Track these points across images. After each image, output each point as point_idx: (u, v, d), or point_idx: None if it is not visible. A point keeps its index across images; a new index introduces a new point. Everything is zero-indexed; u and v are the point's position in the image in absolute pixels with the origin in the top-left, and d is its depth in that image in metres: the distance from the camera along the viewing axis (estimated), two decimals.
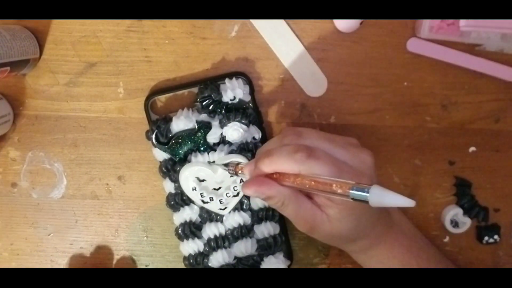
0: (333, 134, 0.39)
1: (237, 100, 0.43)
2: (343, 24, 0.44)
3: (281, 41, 0.45)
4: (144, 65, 0.45)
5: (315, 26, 0.45)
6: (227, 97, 0.43)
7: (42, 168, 0.46)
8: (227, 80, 0.43)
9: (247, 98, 0.44)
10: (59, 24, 0.44)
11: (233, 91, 0.42)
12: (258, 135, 0.44)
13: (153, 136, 0.43)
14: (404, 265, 0.42)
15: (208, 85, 0.43)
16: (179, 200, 0.44)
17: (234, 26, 0.45)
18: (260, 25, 0.44)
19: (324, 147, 0.36)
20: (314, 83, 0.45)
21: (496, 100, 0.47)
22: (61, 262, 0.48)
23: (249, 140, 0.44)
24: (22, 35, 0.42)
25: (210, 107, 0.43)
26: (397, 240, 0.42)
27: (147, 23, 0.44)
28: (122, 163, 0.46)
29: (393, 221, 0.43)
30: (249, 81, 0.44)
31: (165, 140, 0.43)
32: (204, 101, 0.43)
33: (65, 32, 0.44)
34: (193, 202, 0.44)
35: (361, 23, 0.44)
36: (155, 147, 0.43)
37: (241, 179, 0.43)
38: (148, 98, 0.44)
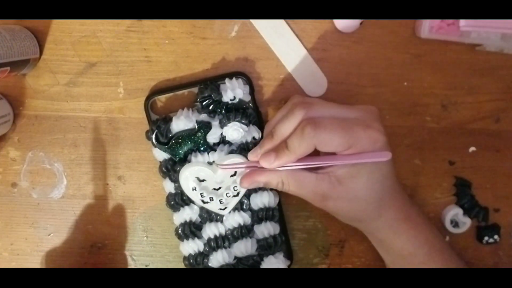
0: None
1: (237, 100, 0.43)
2: (343, 24, 0.44)
3: (281, 41, 0.45)
4: (144, 65, 0.45)
5: (315, 26, 0.45)
6: (227, 97, 0.43)
7: (42, 168, 0.46)
8: (227, 80, 0.43)
9: (247, 98, 0.44)
10: (59, 24, 0.44)
11: (233, 91, 0.42)
12: (258, 135, 0.44)
13: (153, 136, 0.43)
14: (429, 243, 0.41)
15: (208, 85, 0.43)
16: (179, 200, 0.44)
17: (234, 26, 0.45)
18: (260, 25, 0.44)
19: (331, 112, 0.38)
20: (314, 83, 0.45)
21: (496, 100, 0.47)
22: (61, 262, 0.48)
23: (249, 140, 0.44)
24: (22, 35, 0.42)
25: (210, 107, 0.43)
26: (419, 217, 0.41)
27: (147, 23, 0.44)
28: (122, 163, 0.46)
29: (410, 200, 0.42)
30: (249, 81, 0.44)
31: (165, 140, 0.43)
32: (204, 101, 0.43)
33: (65, 32, 0.44)
34: (193, 202, 0.44)
35: (361, 23, 0.44)
36: (155, 147, 0.43)
37: None
38: (148, 98, 0.44)
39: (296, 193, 0.39)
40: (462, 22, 0.43)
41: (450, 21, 0.43)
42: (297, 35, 0.45)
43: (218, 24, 0.45)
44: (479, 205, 0.48)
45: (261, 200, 0.44)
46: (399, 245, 0.41)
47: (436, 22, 0.43)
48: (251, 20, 0.44)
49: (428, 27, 0.43)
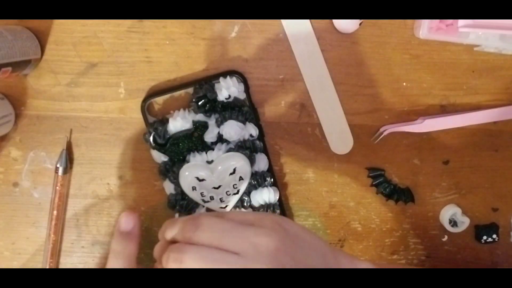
0: (235, 216, 0.34)
1: (232, 98, 0.43)
2: (342, 24, 0.44)
3: (322, 94, 0.45)
4: (145, 65, 0.45)
5: (315, 26, 0.45)
6: (222, 96, 0.43)
7: (44, 168, 0.46)
8: (221, 79, 0.43)
9: (242, 96, 0.44)
10: (60, 24, 0.44)
11: (228, 90, 0.43)
12: (255, 132, 0.44)
13: (151, 138, 0.43)
14: None
15: (202, 84, 0.43)
16: (180, 201, 0.44)
17: (234, 27, 0.45)
18: (306, 71, 0.45)
19: (215, 241, 0.33)
20: (340, 140, 0.46)
21: (494, 100, 0.47)
22: (62, 262, 0.48)
23: (246, 138, 0.44)
24: (24, 35, 0.42)
25: (206, 107, 0.43)
26: None
27: (148, 24, 0.45)
28: (123, 163, 0.47)
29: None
30: (243, 79, 0.44)
31: (163, 141, 0.43)
32: (200, 101, 0.43)
33: (67, 33, 0.45)
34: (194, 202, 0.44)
35: (360, 24, 0.44)
36: (153, 149, 0.43)
37: (240, 177, 0.43)
38: (144, 101, 0.45)
39: None
40: (461, 22, 0.43)
41: (449, 21, 0.44)
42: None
43: (218, 24, 0.45)
44: (399, 188, 0.48)
45: (261, 197, 0.44)
46: None
47: (435, 22, 0.44)
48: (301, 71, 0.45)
49: (427, 28, 0.43)
